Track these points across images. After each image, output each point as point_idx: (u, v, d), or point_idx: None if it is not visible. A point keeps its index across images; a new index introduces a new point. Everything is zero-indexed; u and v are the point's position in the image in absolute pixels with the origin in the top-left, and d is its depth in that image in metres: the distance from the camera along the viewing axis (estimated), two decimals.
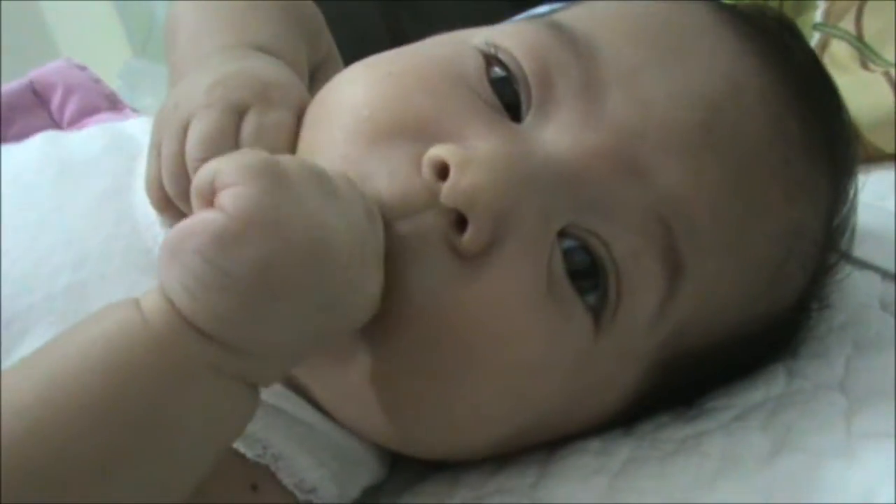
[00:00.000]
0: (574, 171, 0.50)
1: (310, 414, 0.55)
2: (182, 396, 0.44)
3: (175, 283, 0.43)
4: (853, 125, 0.60)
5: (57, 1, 1.83)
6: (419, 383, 0.50)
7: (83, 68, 0.85)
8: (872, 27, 0.93)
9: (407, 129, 0.50)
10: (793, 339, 0.59)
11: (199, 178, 0.44)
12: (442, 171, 0.48)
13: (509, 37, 0.54)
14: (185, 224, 0.43)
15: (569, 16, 0.56)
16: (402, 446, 0.55)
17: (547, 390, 0.51)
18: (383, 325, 0.48)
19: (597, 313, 0.51)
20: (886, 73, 0.88)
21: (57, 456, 0.41)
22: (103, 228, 0.56)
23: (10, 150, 0.64)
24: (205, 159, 0.51)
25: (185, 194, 0.52)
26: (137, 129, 0.64)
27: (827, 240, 0.58)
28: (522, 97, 0.52)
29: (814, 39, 0.94)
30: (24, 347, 0.52)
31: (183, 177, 0.53)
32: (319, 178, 0.46)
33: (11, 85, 0.82)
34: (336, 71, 0.58)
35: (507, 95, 0.52)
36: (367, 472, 0.57)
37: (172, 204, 0.54)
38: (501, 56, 0.53)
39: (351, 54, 0.57)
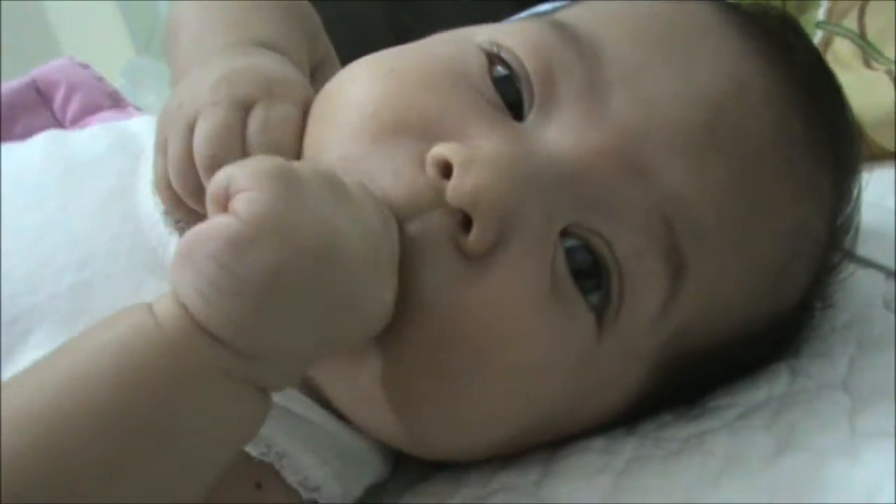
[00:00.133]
0: (577, 170, 0.50)
1: (314, 412, 0.55)
2: (194, 401, 0.44)
3: (189, 287, 0.43)
4: (857, 123, 0.60)
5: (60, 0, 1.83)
6: (429, 383, 0.50)
7: (86, 66, 0.85)
8: (875, 25, 0.93)
9: (410, 127, 0.50)
10: (796, 339, 0.59)
11: (215, 183, 0.45)
12: (446, 170, 0.48)
13: (512, 35, 0.53)
14: (199, 229, 0.43)
15: (572, 14, 0.56)
16: (411, 446, 0.55)
17: (551, 390, 0.52)
18: (394, 327, 0.48)
19: (599, 313, 0.51)
20: (889, 72, 0.88)
21: (64, 463, 0.41)
22: (108, 228, 0.56)
23: (14, 148, 0.64)
24: (212, 156, 0.52)
25: (194, 192, 0.53)
26: (141, 128, 0.64)
27: (831, 239, 0.58)
28: (525, 96, 0.52)
29: (816, 38, 0.94)
30: (28, 347, 0.52)
31: (191, 175, 0.53)
32: (333, 183, 0.46)
33: (14, 83, 0.82)
34: (334, 72, 0.58)
35: (510, 94, 0.52)
36: (370, 470, 0.57)
37: (183, 202, 0.54)
38: (504, 55, 0.53)
39: (354, 53, 0.57)
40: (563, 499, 0.50)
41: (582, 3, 0.59)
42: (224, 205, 0.44)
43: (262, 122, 0.53)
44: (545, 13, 0.59)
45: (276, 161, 0.45)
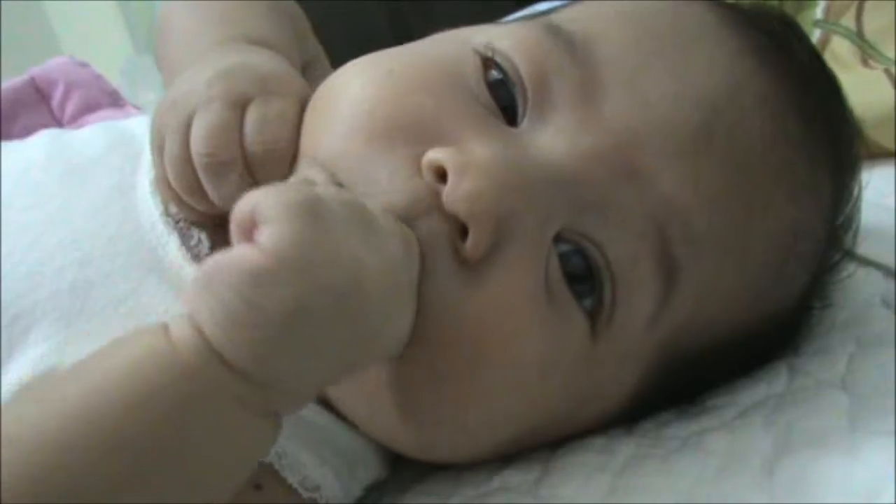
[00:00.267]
0: (570, 174, 0.50)
1: (313, 411, 0.55)
2: (205, 426, 0.43)
3: (206, 315, 0.43)
4: (856, 122, 0.60)
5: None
6: (430, 387, 0.50)
7: (85, 65, 0.85)
8: (873, 24, 0.93)
9: (405, 129, 0.50)
10: (794, 339, 0.59)
11: (240, 209, 0.44)
12: (441, 175, 0.48)
13: (507, 39, 0.54)
14: (220, 257, 0.43)
15: (567, 17, 0.56)
16: (413, 449, 0.55)
17: (550, 392, 0.52)
18: None
19: (593, 317, 0.51)
20: (887, 71, 0.88)
21: (73, 480, 0.41)
22: (108, 227, 0.56)
23: (15, 147, 0.64)
24: (209, 155, 0.52)
25: (193, 191, 0.53)
26: (140, 127, 0.64)
27: (829, 239, 0.58)
28: (519, 100, 0.52)
29: (814, 36, 0.95)
30: (28, 344, 0.52)
31: (189, 174, 0.53)
32: (359, 213, 0.46)
33: (12, 82, 0.82)
34: (324, 72, 0.58)
35: (504, 98, 0.52)
36: (369, 469, 0.57)
37: (184, 200, 0.54)
38: (498, 59, 0.53)
39: (354, 51, 0.57)
40: (563, 498, 0.50)
41: (579, 2, 0.59)
42: (249, 232, 0.43)
43: (258, 119, 0.53)
44: (543, 13, 0.59)
45: (304, 192, 0.44)
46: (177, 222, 0.56)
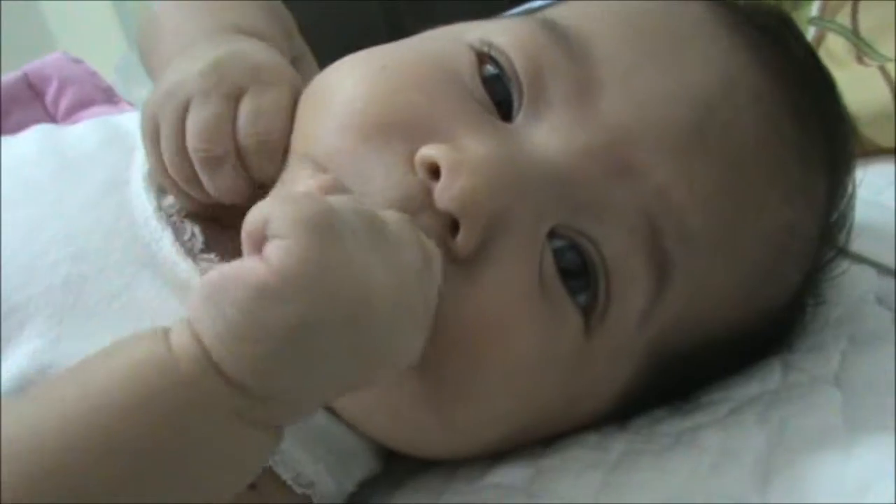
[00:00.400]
0: (564, 171, 0.50)
1: None
2: (203, 435, 0.43)
3: (207, 327, 0.42)
4: (851, 120, 0.60)
5: None
6: (424, 384, 0.50)
7: (79, 61, 0.85)
8: (868, 21, 0.93)
9: (398, 126, 0.50)
10: (788, 335, 0.59)
11: (251, 220, 0.43)
12: (434, 171, 0.48)
13: (502, 34, 0.53)
14: (226, 270, 0.42)
15: (563, 13, 0.56)
16: (407, 446, 0.55)
17: (544, 388, 0.52)
18: None
19: (587, 313, 0.51)
20: (882, 68, 0.88)
21: (70, 484, 0.40)
22: (102, 223, 0.56)
23: (7, 142, 0.64)
24: (205, 150, 0.52)
25: (191, 182, 0.54)
26: (134, 123, 0.64)
27: (823, 236, 0.58)
28: (514, 96, 0.52)
29: (809, 34, 0.95)
30: (23, 339, 0.52)
31: (187, 166, 0.53)
32: (373, 225, 0.45)
33: (5, 77, 0.82)
34: (310, 72, 0.58)
35: (500, 94, 0.52)
36: (362, 465, 0.57)
37: (182, 189, 0.55)
38: (494, 54, 0.53)
39: (351, 50, 0.57)
40: (556, 494, 0.50)
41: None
42: (259, 245, 0.42)
43: (252, 111, 0.53)
44: (537, 9, 0.59)
45: (317, 207, 0.43)
46: (170, 217, 0.56)
